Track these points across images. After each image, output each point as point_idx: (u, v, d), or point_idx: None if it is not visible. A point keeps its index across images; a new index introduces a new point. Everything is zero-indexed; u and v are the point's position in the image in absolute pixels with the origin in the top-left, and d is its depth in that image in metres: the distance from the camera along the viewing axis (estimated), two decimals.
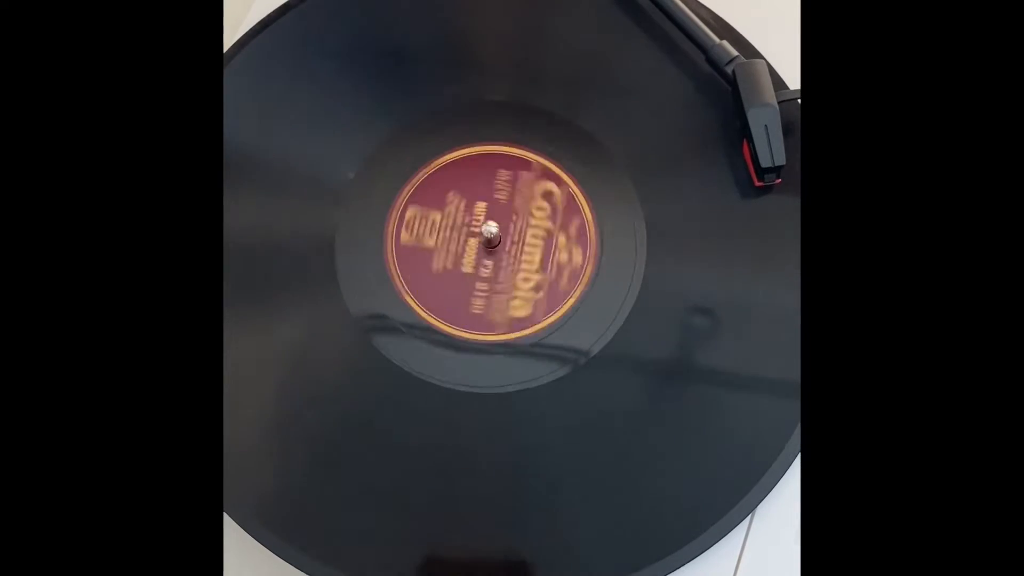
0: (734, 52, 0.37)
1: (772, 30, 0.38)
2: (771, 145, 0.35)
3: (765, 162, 0.35)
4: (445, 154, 0.37)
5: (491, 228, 0.35)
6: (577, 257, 0.35)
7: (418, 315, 0.35)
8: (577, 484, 0.32)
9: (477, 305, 0.35)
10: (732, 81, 0.36)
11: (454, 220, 0.36)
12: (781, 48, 0.38)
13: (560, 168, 0.37)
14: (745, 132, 0.36)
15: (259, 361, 0.34)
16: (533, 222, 0.36)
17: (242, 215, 0.35)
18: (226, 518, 0.31)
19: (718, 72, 0.37)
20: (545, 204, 0.36)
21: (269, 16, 0.39)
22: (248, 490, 0.32)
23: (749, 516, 0.32)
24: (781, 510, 0.33)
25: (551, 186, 0.36)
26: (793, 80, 0.37)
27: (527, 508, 0.32)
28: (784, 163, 0.35)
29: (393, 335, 0.34)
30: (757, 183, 0.36)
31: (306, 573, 0.31)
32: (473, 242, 0.36)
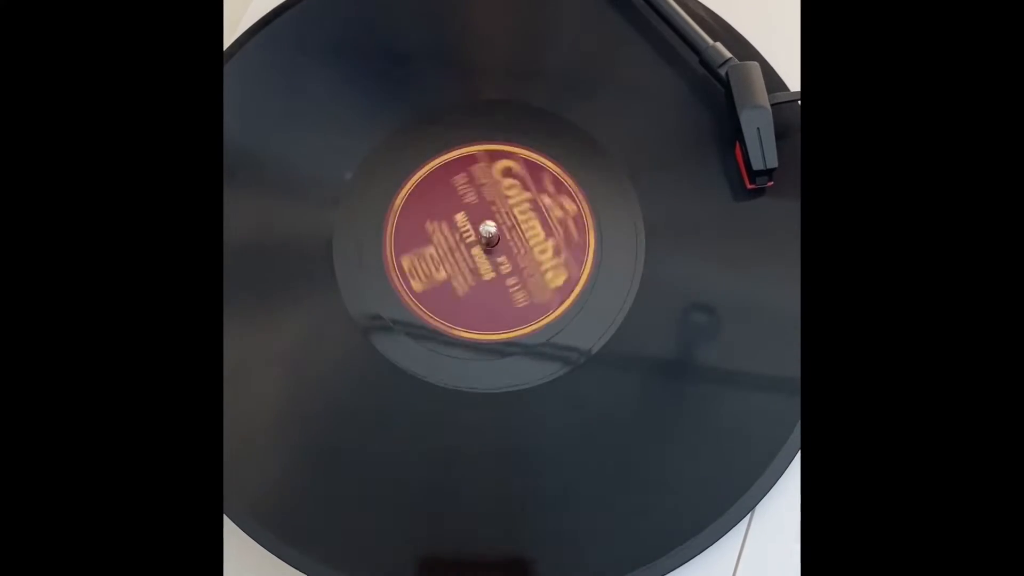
0: (727, 54, 0.37)
1: (772, 30, 0.39)
2: (763, 148, 0.35)
3: (757, 164, 0.35)
4: (442, 154, 0.37)
5: (489, 228, 0.35)
6: (571, 207, 0.36)
7: (417, 315, 0.35)
8: (576, 483, 0.32)
9: (520, 300, 0.35)
10: (725, 83, 0.36)
11: (448, 242, 0.36)
12: (781, 49, 0.38)
13: (558, 167, 0.37)
14: (738, 134, 0.36)
15: (258, 361, 0.34)
16: (513, 201, 0.36)
17: (240, 215, 0.35)
18: (226, 518, 0.31)
19: (712, 74, 0.37)
20: (512, 180, 0.36)
21: (266, 16, 0.39)
22: (248, 490, 0.32)
23: (749, 515, 0.32)
24: (781, 509, 0.33)
25: (522, 167, 0.37)
26: (793, 81, 0.37)
27: (526, 507, 0.32)
28: (776, 166, 0.35)
29: (392, 335, 0.34)
30: (749, 186, 0.36)
31: (306, 573, 0.31)
32: (477, 249, 0.36)
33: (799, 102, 0.36)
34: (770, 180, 0.36)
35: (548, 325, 0.34)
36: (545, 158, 0.37)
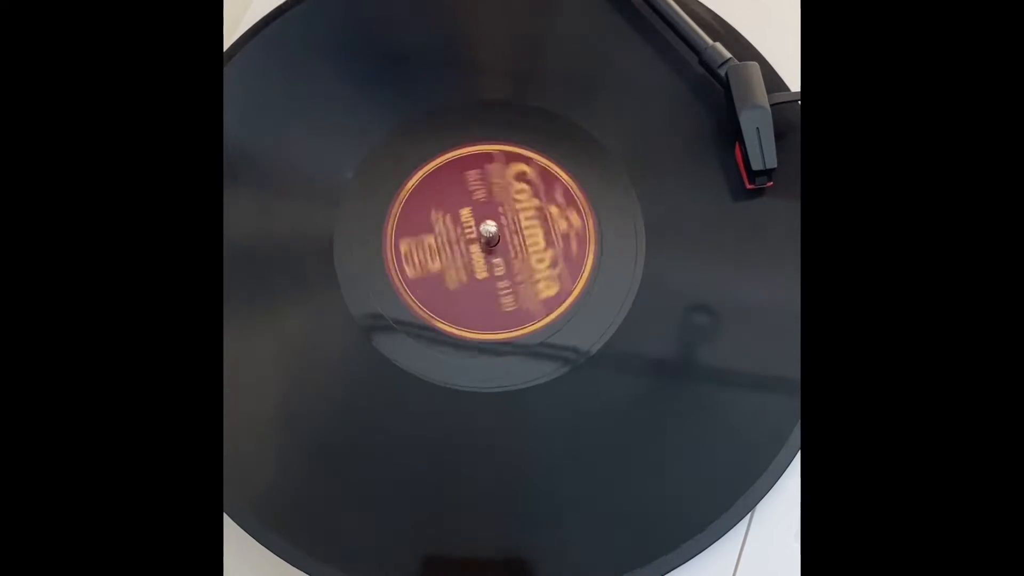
0: (727, 54, 0.37)
1: (772, 30, 0.39)
2: (763, 148, 0.35)
3: (756, 165, 0.35)
4: (443, 154, 0.37)
5: (489, 228, 0.35)
6: (576, 222, 0.36)
7: (417, 314, 0.35)
8: (577, 483, 0.32)
9: (507, 304, 0.35)
10: (725, 83, 0.36)
11: (448, 235, 0.36)
12: (781, 49, 0.38)
13: (558, 166, 0.37)
14: (737, 134, 0.36)
15: (259, 361, 0.34)
16: (520, 206, 0.36)
17: (240, 215, 0.35)
18: (226, 518, 0.31)
19: (711, 74, 0.37)
20: (524, 185, 0.36)
21: (267, 16, 0.39)
22: (248, 490, 0.32)
23: (749, 515, 0.32)
24: (781, 509, 0.33)
25: (522, 167, 0.37)
26: (793, 81, 0.38)
27: (526, 507, 0.32)
28: (775, 166, 0.35)
29: (392, 334, 0.34)
30: (748, 186, 0.36)
31: (306, 573, 0.31)
32: (475, 247, 0.36)
33: (799, 102, 0.36)
34: (769, 180, 0.36)
35: (548, 325, 0.34)
36: (544, 157, 0.37)
